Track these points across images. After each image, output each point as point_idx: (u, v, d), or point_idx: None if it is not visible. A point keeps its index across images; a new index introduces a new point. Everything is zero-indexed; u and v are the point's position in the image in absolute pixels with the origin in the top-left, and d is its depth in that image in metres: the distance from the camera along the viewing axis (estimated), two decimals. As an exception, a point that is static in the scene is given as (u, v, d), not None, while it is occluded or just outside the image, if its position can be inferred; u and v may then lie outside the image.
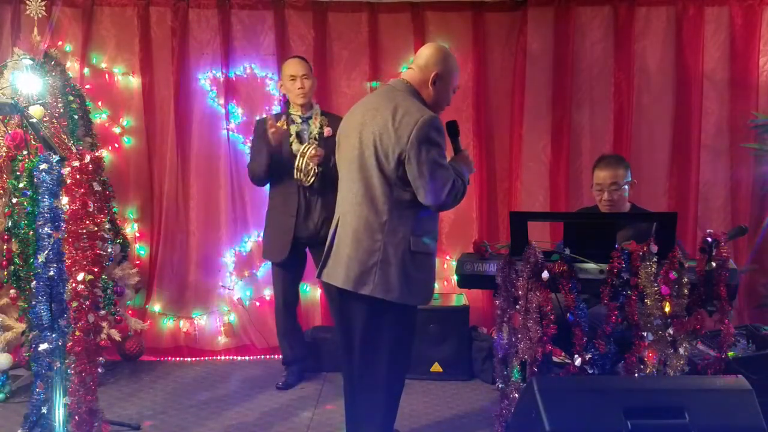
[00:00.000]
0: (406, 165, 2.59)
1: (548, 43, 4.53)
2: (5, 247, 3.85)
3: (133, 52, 4.53)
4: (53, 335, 2.78)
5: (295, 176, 3.72)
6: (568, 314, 2.67)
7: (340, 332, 2.90)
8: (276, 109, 4.53)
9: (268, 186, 3.94)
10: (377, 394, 2.80)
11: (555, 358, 2.95)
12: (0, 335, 3.78)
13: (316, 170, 3.71)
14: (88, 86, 4.44)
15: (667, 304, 2.64)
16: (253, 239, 4.64)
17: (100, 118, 4.49)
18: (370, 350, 2.76)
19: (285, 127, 3.74)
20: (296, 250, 3.86)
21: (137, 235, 4.64)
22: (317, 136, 3.81)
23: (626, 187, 3.45)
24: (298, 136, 3.80)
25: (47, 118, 3.95)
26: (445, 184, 2.58)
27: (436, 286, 4.62)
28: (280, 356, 4.17)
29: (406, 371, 2.96)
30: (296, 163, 3.69)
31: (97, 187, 2.85)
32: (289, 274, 3.95)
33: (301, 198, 3.78)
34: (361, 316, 2.74)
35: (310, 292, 4.63)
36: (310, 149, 3.67)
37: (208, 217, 4.64)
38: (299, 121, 3.83)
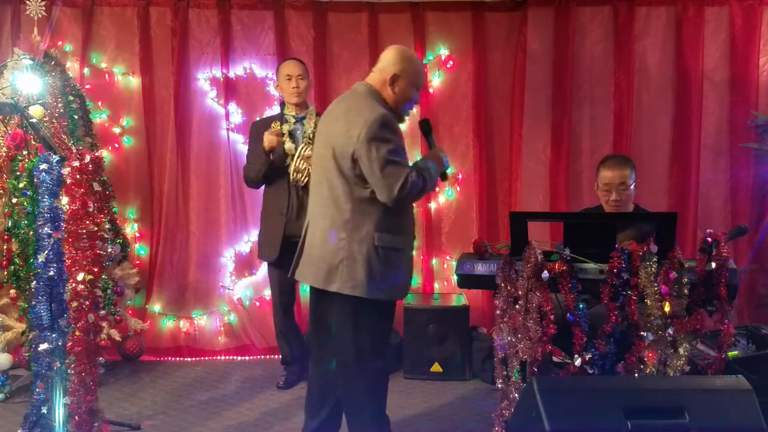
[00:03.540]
0: (360, 163, 2.66)
1: (548, 43, 4.53)
2: (5, 247, 3.86)
3: (133, 52, 4.53)
4: (53, 335, 2.78)
5: (291, 177, 3.76)
6: (568, 314, 2.67)
7: (315, 332, 2.94)
8: (276, 109, 4.53)
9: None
10: (359, 393, 2.79)
11: (555, 358, 2.94)
12: (0, 335, 3.78)
13: (311, 170, 3.73)
14: (88, 86, 4.44)
15: (667, 304, 2.63)
16: (253, 239, 4.64)
17: (100, 118, 4.49)
18: (346, 348, 2.76)
19: (280, 133, 3.77)
20: (288, 249, 3.84)
21: (137, 235, 4.64)
22: (311, 135, 3.81)
23: (632, 187, 3.43)
24: (291, 135, 3.83)
25: (47, 118, 3.95)
26: (396, 180, 2.62)
27: (437, 286, 4.70)
28: (279, 356, 4.17)
29: (386, 365, 2.92)
30: (294, 164, 3.74)
31: (97, 187, 2.86)
32: (283, 274, 3.94)
33: (292, 197, 3.80)
34: (333, 315, 2.77)
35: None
36: (307, 150, 3.69)
37: (208, 217, 4.64)
38: (293, 120, 3.87)
